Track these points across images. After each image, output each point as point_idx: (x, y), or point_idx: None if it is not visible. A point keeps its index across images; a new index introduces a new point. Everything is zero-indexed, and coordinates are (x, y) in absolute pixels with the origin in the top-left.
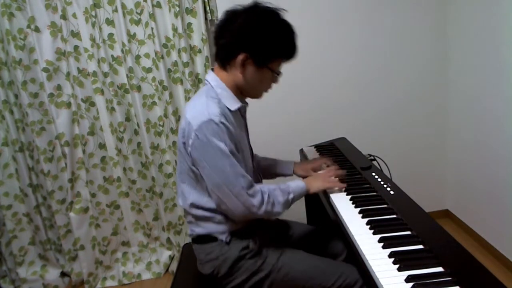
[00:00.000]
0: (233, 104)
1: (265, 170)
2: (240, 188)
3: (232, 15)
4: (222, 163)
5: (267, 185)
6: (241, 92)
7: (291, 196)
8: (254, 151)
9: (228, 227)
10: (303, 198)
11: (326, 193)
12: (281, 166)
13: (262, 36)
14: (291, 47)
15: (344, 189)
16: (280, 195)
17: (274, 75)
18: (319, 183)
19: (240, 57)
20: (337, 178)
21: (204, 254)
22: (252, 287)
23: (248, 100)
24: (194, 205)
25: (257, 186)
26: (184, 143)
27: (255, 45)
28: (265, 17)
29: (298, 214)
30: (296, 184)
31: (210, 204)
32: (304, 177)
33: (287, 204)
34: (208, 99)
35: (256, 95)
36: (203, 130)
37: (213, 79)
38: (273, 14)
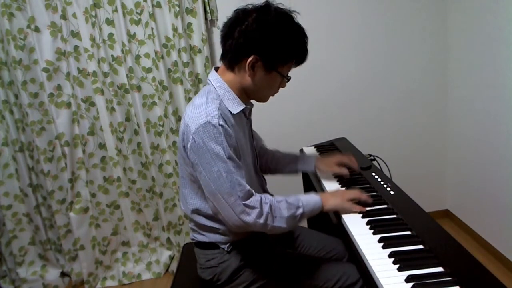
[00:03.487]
0: (236, 106)
1: (286, 165)
2: (236, 198)
3: (243, 14)
4: (217, 168)
5: (272, 197)
6: (247, 94)
7: (299, 211)
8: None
9: (231, 238)
10: None
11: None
12: (302, 162)
13: (275, 38)
14: (303, 51)
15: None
16: (285, 208)
17: (283, 79)
18: (337, 201)
19: (250, 59)
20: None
21: (205, 260)
22: None
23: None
24: (196, 212)
25: (258, 196)
26: (184, 147)
27: (266, 48)
28: (278, 19)
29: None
30: (308, 198)
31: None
32: (325, 172)
33: (294, 219)
34: (208, 101)
35: (263, 98)
36: (200, 133)
37: (216, 79)
38: (286, 16)
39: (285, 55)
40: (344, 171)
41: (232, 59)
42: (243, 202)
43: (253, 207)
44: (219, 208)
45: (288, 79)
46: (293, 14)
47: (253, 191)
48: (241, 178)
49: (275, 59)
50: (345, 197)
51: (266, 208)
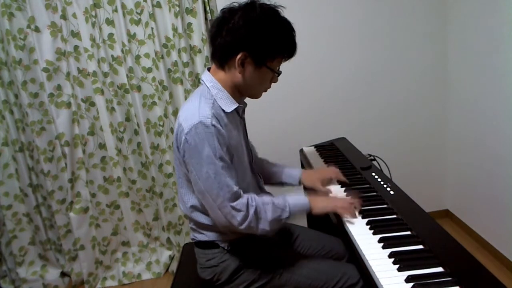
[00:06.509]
0: (229, 105)
1: (271, 176)
2: (223, 200)
3: (229, 13)
4: (207, 169)
5: (260, 198)
6: (240, 92)
7: (285, 213)
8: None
9: (230, 236)
10: None
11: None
12: (287, 175)
13: (262, 34)
14: (291, 45)
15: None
16: (270, 211)
17: (274, 74)
18: (326, 204)
19: (239, 56)
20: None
21: (205, 260)
22: None
23: (247, 100)
24: (194, 210)
25: (245, 198)
26: (177, 147)
27: (254, 44)
28: (264, 15)
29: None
30: (296, 199)
31: None
32: (310, 189)
33: (278, 222)
34: (202, 101)
35: (255, 95)
36: (192, 134)
37: (209, 79)
38: (272, 12)
39: (273, 50)
40: (326, 190)
41: (221, 57)
42: (230, 204)
43: (239, 210)
44: (207, 207)
45: (279, 73)
46: (278, 9)
47: (241, 193)
48: (230, 179)
49: (264, 55)
50: (335, 204)
51: (251, 211)
